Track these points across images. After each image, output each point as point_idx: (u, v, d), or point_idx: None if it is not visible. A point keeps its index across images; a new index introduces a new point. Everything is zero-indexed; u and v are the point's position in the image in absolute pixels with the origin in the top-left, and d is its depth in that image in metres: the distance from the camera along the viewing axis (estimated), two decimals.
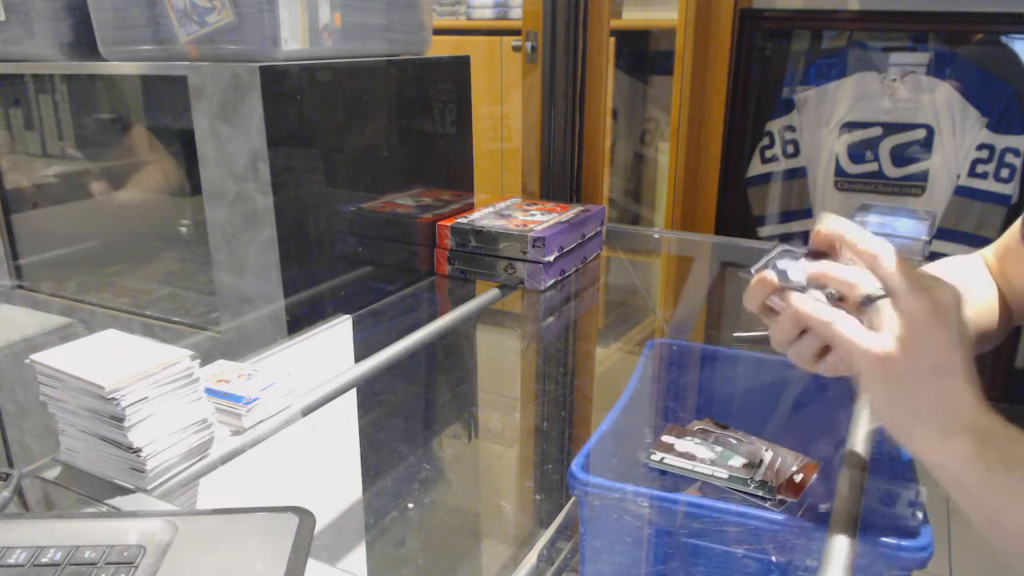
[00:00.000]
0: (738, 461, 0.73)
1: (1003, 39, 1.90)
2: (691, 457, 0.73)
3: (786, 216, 2.17)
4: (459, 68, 1.27)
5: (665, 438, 0.76)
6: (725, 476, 0.70)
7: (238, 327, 1.01)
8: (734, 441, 0.77)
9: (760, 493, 0.68)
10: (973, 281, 0.74)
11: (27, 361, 0.62)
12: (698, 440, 0.76)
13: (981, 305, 0.72)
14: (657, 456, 0.72)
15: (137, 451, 0.60)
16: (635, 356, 0.94)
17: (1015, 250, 0.73)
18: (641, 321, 1.23)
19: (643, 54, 2.45)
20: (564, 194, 1.55)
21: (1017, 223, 0.73)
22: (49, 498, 0.62)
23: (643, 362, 0.85)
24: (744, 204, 2.22)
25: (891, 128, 1.99)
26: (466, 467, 0.89)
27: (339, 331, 1.02)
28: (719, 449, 0.75)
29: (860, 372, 0.51)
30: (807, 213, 2.14)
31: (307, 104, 0.97)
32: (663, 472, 0.71)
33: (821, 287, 0.56)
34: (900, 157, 1.99)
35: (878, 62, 1.98)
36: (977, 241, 1.90)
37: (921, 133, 1.96)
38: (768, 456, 0.74)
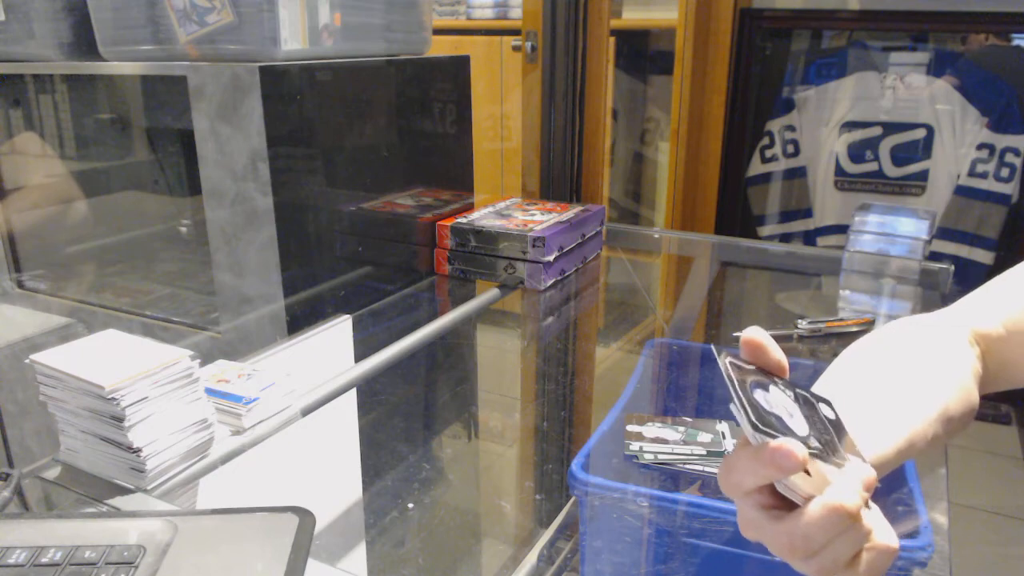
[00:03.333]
0: (705, 437, 0.75)
1: (1003, 39, 1.90)
2: (663, 441, 0.74)
3: (786, 216, 2.17)
4: (459, 68, 1.27)
5: (631, 427, 0.76)
6: (704, 452, 0.72)
7: (238, 327, 1.01)
8: (689, 420, 0.78)
9: None
10: (951, 377, 0.53)
11: (27, 361, 0.62)
12: (659, 424, 0.77)
13: (954, 408, 0.52)
14: (635, 446, 0.73)
15: (137, 451, 0.60)
16: (635, 356, 0.94)
17: None
18: (641, 321, 1.23)
19: (643, 54, 2.45)
20: (564, 194, 1.55)
21: None
22: (49, 498, 0.62)
23: (643, 362, 0.85)
24: (744, 204, 2.22)
25: (891, 128, 1.99)
26: (466, 467, 0.89)
27: (339, 331, 1.02)
28: (682, 429, 0.76)
29: None
30: (807, 213, 2.14)
31: (307, 104, 0.97)
32: (649, 467, 0.72)
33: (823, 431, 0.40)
34: (900, 157, 1.99)
35: (878, 62, 1.98)
36: (977, 241, 1.90)
37: (921, 133, 1.96)
38: (723, 427, 0.77)
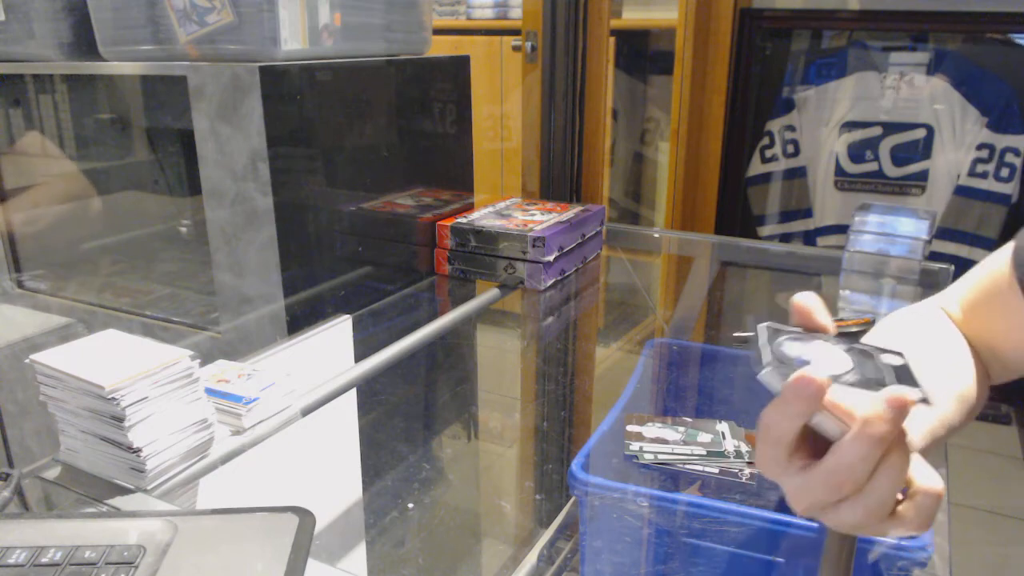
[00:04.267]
0: (705, 437, 0.75)
1: (1003, 39, 1.90)
2: (663, 441, 0.74)
3: (786, 216, 2.17)
4: (459, 68, 1.27)
5: (631, 428, 0.76)
6: (704, 453, 0.72)
7: (238, 327, 1.01)
8: (689, 420, 0.79)
9: (744, 459, 0.71)
10: (957, 360, 0.56)
11: (27, 361, 0.62)
12: (659, 424, 0.77)
13: (968, 390, 0.55)
14: (635, 446, 0.73)
15: (137, 451, 0.60)
16: (635, 356, 0.94)
17: (999, 298, 0.57)
18: (641, 321, 1.23)
19: (643, 54, 2.45)
20: (564, 194, 1.55)
21: (996, 272, 0.58)
22: (49, 498, 0.62)
23: (643, 362, 0.85)
24: (744, 204, 2.22)
25: (891, 128, 1.99)
26: (466, 467, 0.89)
27: (339, 331, 1.02)
28: (682, 429, 0.76)
29: None
30: (807, 213, 2.14)
31: (307, 104, 0.97)
32: (649, 467, 0.72)
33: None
34: (900, 157, 1.99)
35: (878, 62, 1.98)
36: (977, 241, 1.90)
37: (921, 133, 1.96)
38: (723, 428, 0.77)
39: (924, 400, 0.38)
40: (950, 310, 0.61)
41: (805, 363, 0.38)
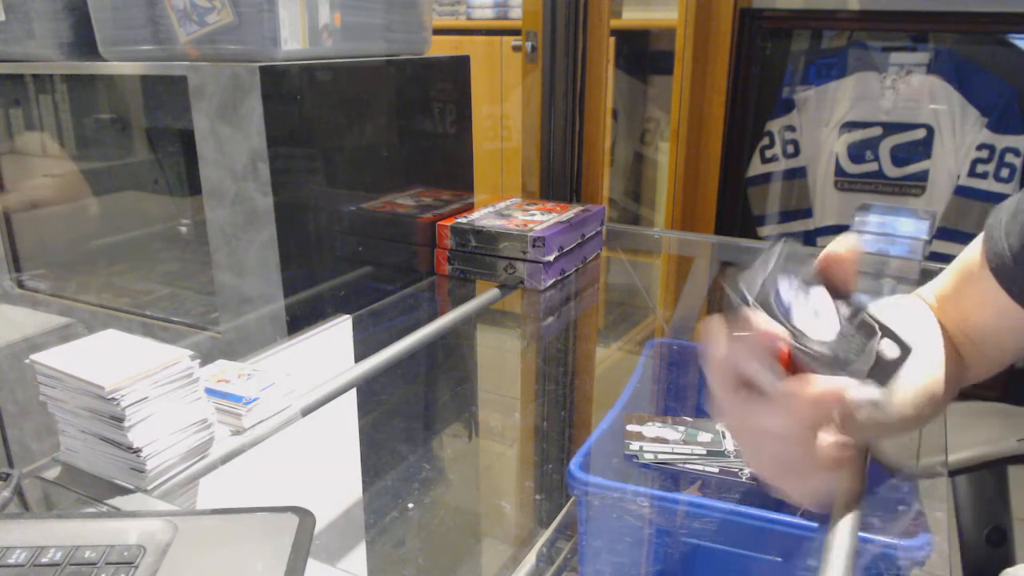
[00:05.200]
0: (705, 436, 0.75)
1: (1003, 39, 1.90)
2: (663, 441, 0.74)
3: (786, 216, 2.17)
4: (459, 68, 1.27)
5: (631, 427, 0.76)
6: (704, 452, 0.72)
7: (238, 327, 1.01)
8: (689, 420, 0.78)
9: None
10: (926, 353, 0.55)
11: (27, 361, 0.62)
12: (659, 424, 0.77)
13: (931, 382, 0.53)
14: (635, 446, 0.73)
15: (137, 451, 0.60)
16: (635, 356, 0.94)
17: (971, 279, 0.57)
18: (641, 321, 1.23)
19: (643, 54, 2.45)
20: (564, 194, 1.55)
21: (970, 255, 0.58)
22: (49, 498, 0.62)
23: (643, 362, 0.85)
24: (744, 204, 2.22)
25: (891, 128, 1.99)
26: (466, 467, 0.89)
27: (339, 331, 1.02)
28: (682, 429, 0.76)
29: None
30: (807, 213, 2.14)
31: (307, 104, 0.97)
32: (649, 467, 0.72)
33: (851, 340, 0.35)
34: (900, 157, 1.99)
35: (878, 62, 1.98)
36: None
37: (921, 133, 1.96)
38: (723, 427, 0.77)
39: (874, 403, 0.36)
40: (930, 303, 0.61)
41: (788, 309, 0.34)
